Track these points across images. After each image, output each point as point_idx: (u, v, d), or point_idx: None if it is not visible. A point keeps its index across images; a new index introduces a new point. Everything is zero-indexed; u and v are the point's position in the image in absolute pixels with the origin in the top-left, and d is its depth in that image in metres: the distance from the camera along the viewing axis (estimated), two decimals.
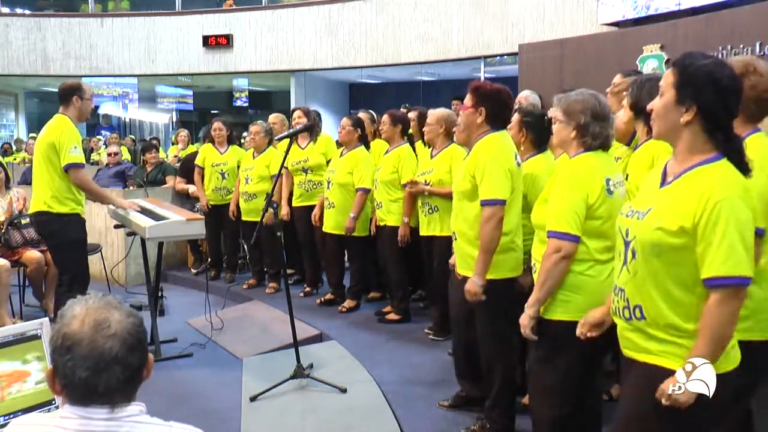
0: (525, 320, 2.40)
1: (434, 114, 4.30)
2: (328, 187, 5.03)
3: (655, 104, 1.80)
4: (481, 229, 2.86)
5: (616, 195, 2.35)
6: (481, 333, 3.05)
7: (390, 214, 4.71)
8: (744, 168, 1.71)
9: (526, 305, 2.40)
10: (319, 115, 6.12)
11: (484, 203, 2.87)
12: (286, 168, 5.36)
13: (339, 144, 5.45)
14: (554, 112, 2.49)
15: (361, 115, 5.35)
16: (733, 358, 1.75)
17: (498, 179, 2.86)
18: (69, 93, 4.10)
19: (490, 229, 2.83)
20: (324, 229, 5.11)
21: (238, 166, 5.97)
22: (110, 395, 1.25)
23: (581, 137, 2.38)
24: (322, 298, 5.26)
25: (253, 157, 5.68)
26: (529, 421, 3.15)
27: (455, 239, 3.09)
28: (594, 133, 2.37)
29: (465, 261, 3.00)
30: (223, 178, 6.06)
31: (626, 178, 2.61)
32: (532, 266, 2.57)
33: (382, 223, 4.79)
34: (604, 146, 2.41)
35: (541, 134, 3.25)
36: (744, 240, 1.63)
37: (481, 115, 2.96)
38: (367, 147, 5.12)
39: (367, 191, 4.90)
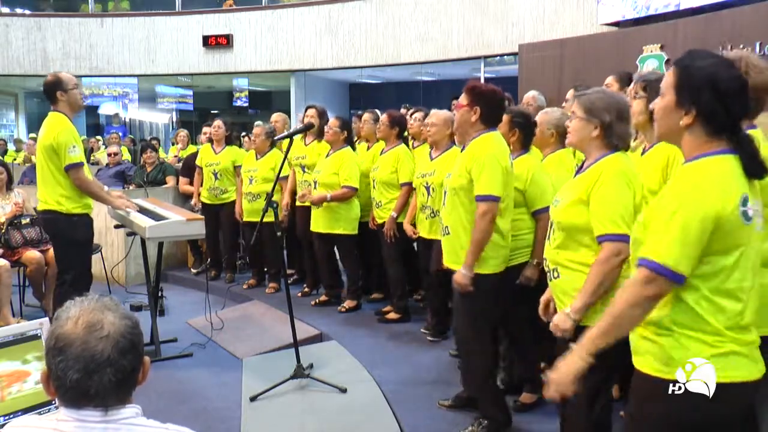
0: (567, 324, 2.21)
1: (440, 115, 4.24)
2: (314, 188, 5.04)
3: (656, 105, 1.77)
4: (475, 223, 2.92)
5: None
6: (460, 324, 3.12)
7: (389, 213, 4.71)
8: (755, 166, 1.63)
9: (571, 310, 2.21)
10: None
11: (480, 198, 2.92)
12: (289, 162, 5.35)
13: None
14: (573, 108, 2.37)
15: (367, 115, 5.34)
16: None
17: (495, 176, 2.90)
18: (51, 90, 4.03)
19: (485, 224, 2.89)
20: (312, 229, 5.09)
21: (235, 167, 5.97)
22: (102, 397, 1.24)
23: (605, 137, 2.29)
24: (317, 300, 5.26)
25: (256, 159, 5.69)
26: (529, 420, 3.17)
27: (447, 234, 3.11)
28: (619, 134, 2.29)
29: (458, 255, 3.02)
30: (216, 178, 6.03)
31: None
32: (551, 269, 2.41)
33: (381, 221, 4.79)
34: (626, 149, 2.34)
35: (529, 135, 3.36)
36: None
37: (475, 114, 3.00)
38: (353, 148, 5.11)
39: (353, 190, 4.89)
